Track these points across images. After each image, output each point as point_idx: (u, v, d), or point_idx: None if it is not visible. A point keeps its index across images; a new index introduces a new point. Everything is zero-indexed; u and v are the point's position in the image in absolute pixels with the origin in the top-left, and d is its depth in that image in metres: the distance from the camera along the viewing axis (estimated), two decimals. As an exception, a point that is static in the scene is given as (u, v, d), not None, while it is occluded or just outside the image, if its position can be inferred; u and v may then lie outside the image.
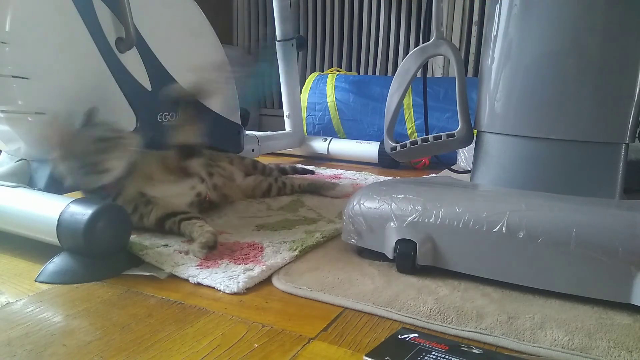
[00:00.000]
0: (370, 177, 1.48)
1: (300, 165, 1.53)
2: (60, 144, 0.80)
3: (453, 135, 0.88)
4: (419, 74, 0.96)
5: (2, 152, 0.97)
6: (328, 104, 1.98)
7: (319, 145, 1.87)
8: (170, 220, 0.85)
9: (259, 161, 1.30)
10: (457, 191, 0.77)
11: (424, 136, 0.91)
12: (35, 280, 0.70)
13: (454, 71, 0.90)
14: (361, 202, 0.79)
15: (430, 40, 0.93)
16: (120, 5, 0.96)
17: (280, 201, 1.14)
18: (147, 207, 0.86)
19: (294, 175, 1.41)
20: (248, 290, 0.68)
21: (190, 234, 0.82)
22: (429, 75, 2.20)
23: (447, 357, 0.50)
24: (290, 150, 1.91)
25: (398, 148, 0.94)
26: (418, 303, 0.64)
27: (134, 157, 0.85)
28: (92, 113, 0.86)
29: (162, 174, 0.91)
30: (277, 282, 0.70)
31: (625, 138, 0.75)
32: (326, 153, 1.85)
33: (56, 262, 0.72)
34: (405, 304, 0.63)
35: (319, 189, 1.22)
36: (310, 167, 1.58)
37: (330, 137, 1.88)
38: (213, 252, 0.77)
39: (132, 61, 1.00)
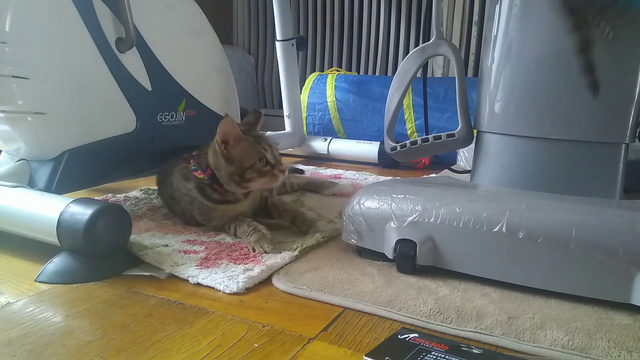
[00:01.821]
0: (370, 177, 1.48)
1: (290, 166, 1.52)
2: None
3: (453, 135, 0.88)
4: (419, 74, 0.96)
5: (2, 152, 0.97)
6: (328, 104, 1.98)
7: (319, 145, 1.87)
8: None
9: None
10: (457, 191, 0.77)
11: (424, 136, 0.91)
12: (35, 280, 0.70)
13: (454, 71, 0.90)
14: (361, 202, 0.79)
15: (430, 40, 0.93)
16: (120, 5, 0.96)
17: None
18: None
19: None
20: (248, 290, 0.68)
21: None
22: (429, 75, 2.20)
23: (447, 357, 0.50)
24: (290, 150, 1.91)
25: (398, 148, 0.94)
26: (418, 303, 0.64)
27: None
28: (258, 119, 0.92)
29: None
30: (277, 282, 0.70)
31: (625, 138, 0.75)
32: (326, 153, 1.85)
33: (56, 262, 0.72)
34: (405, 304, 0.63)
35: (317, 187, 1.22)
36: (301, 167, 1.58)
37: (330, 137, 1.88)
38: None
39: (132, 61, 1.00)
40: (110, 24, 0.96)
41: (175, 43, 1.12)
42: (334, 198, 1.19)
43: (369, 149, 1.77)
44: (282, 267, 0.75)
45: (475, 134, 0.88)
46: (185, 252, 0.78)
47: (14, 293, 0.66)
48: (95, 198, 0.82)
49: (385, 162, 1.72)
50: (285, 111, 1.90)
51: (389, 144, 0.96)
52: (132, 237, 0.80)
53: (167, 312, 0.62)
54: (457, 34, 2.19)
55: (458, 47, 2.17)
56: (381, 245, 0.76)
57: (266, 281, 0.71)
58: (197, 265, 0.73)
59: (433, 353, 0.50)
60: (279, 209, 0.95)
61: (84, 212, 0.70)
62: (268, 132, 1.79)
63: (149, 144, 1.03)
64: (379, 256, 0.77)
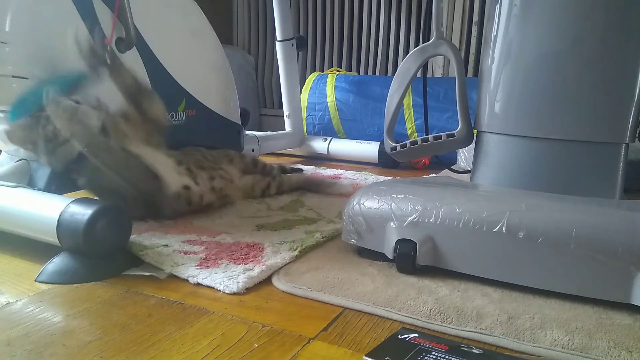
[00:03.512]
0: (370, 177, 1.48)
1: (289, 165, 1.52)
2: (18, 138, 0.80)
3: (453, 135, 0.88)
4: (419, 74, 0.96)
5: (2, 152, 0.97)
6: (328, 104, 1.98)
7: (319, 145, 1.87)
8: None
9: (260, 159, 1.29)
10: (457, 191, 0.77)
11: (424, 136, 0.91)
12: (35, 280, 0.70)
13: (454, 71, 0.90)
14: (361, 202, 0.79)
15: (430, 40, 0.93)
16: (120, 5, 0.96)
17: (280, 201, 1.14)
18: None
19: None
20: (248, 290, 0.68)
21: None
22: (429, 75, 2.20)
23: (447, 357, 0.50)
24: (290, 150, 1.91)
25: (398, 148, 0.94)
26: (418, 303, 0.64)
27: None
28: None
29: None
30: (277, 282, 0.70)
31: (625, 138, 0.75)
32: (326, 153, 1.85)
33: (56, 262, 0.72)
34: (405, 304, 0.63)
35: (316, 186, 1.22)
36: (300, 167, 1.58)
37: (330, 137, 1.88)
38: None
39: (132, 61, 1.00)
40: (111, 24, 0.96)
41: (175, 43, 1.13)
42: (334, 198, 1.19)
43: (369, 149, 1.77)
44: (282, 267, 0.75)
45: (475, 134, 0.88)
46: (185, 252, 0.78)
47: (14, 293, 0.66)
48: (95, 198, 0.82)
49: (385, 162, 1.72)
50: (285, 111, 1.90)
51: (389, 144, 0.96)
52: (133, 237, 0.80)
53: (167, 312, 0.62)
54: (457, 34, 2.19)
55: (458, 47, 2.17)
56: (381, 245, 0.76)
57: (266, 281, 0.71)
58: (197, 265, 0.73)
59: (433, 353, 0.50)
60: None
61: (84, 212, 0.70)
62: (268, 132, 1.81)
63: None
64: (379, 256, 0.77)
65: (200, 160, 1.06)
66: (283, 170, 1.46)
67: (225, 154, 1.17)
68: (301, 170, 1.51)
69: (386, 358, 0.50)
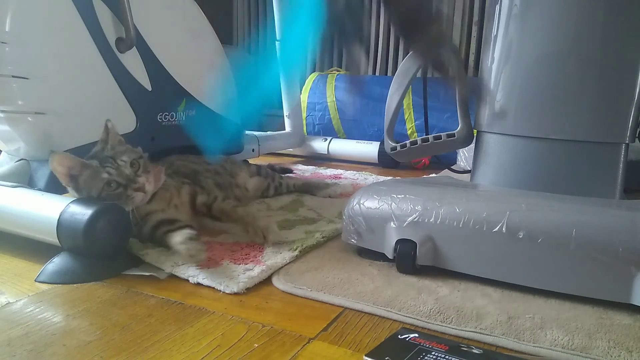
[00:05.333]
0: (370, 177, 1.48)
1: (278, 165, 1.52)
2: (72, 179, 0.77)
3: (453, 135, 0.88)
4: (419, 74, 0.96)
5: (2, 152, 0.97)
6: (328, 104, 1.98)
7: (319, 145, 1.87)
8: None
9: (261, 165, 1.30)
10: (457, 191, 0.77)
11: (424, 136, 0.91)
12: (35, 280, 0.70)
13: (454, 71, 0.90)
14: (361, 202, 0.79)
15: (430, 40, 0.93)
16: (120, 5, 0.96)
17: (280, 201, 1.14)
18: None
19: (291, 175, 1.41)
20: (248, 290, 0.68)
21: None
22: (429, 75, 2.20)
23: (447, 357, 0.50)
24: (290, 150, 1.91)
25: (398, 148, 0.94)
26: (418, 303, 0.64)
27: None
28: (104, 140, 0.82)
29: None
30: (277, 282, 0.70)
31: (625, 138, 0.75)
32: (326, 153, 1.85)
33: (56, 262, 0.72)
34: (405, 304, 0.63)
35: (312, 189, 1.23)
36: (289, 167, 1.57)
37: (330, 137, 1.88)
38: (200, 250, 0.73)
39: (132, 61, 1.00)
40: (110, 24, 0.96)
41: (175, 43, 1.12)
42: (334, 198, 1.19)
43: (369, 149, 1.77)
44: (282, 267, 0.75)
45: (475, 134, 0.88)
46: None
47: (14, 293, 0.66)
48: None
49: (385, 162, 1.72)
50: (285, 111, 1.90)
51: (389, 144, 0.96)
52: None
53: (167, 312, 0.62)
54: (457, 34, 2.19)
55: (458, 47, 2.17)
56: (381, 245, 0.76)
57: (266, 281, 0.71)
58: (197, 265, 0.73)
59: (433, 353, 0.50)
60: (229, 215, 0.87)
61: (84, 212, 0.70)
62: (268, 132, 1.81)
63: (149, 144, 1.03)
64: (379, 256, 0.77)
65: (217, 172, 1.06)
66: (272, 169, 1.46)
67: (232, 161, 1.18)
68: (291, 170, 1.51)
69: (386, 358, 0.50)
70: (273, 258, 0.76)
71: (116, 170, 0.77)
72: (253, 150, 1.62)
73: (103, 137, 0.82)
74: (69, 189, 0.79)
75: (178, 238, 0.73)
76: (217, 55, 1.26)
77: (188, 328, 0.58)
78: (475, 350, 0.52)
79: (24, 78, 0.84)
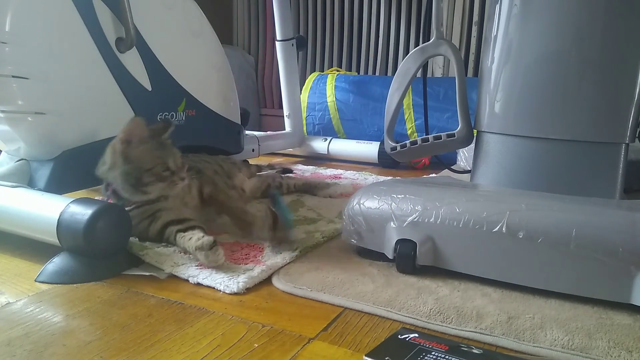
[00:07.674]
0: (370, 177, 1.48)
1: (278, 165, 1.52)
2: (134, 146, 0.80)
3: (453, 135, 0.88)
4: (419, 74, 0.96)
5: (2, 152, 0.97)
6: (328, 104, 1.98)
7: (319, 145, 1.87)
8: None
9: (261, 165, 1.30)
10: (457, 191, 0.77)
11: (424, 136, 0.91)
12: (35, 280, 0.70)
13: (454, 71, 0.90)
14: (361, 202, 0.79)
15: (430, 40, 0.93)
16: (120, 5, 0.96)
17: (280, 201, 1.14)
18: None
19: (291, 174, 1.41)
20: (248, 290, 0.68)
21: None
22: (429, 75, 2.20)
23: (447, 357, 0.50)
24: (290, 150, 1.91)
25: (398, 148, 0.94)
26: (418, 303, 0.64)
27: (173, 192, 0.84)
28: (167, 128, 0.86)
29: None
30: (277, 282, 0.70)
31: (625, 138, 0.75)
32: (326, 153, 1.85)
33: (56, 262, 0.72)
34: (405, 304, 0.63)
35: (312, 189, 1.23)
36: (301, 167, 1.57)
37: (330, 137, 1.88)
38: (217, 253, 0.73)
39: (132, 61, 1.00)
40: (110, 24, 0.96)
41: (175, 43, 1.12)
42: (334, 198, 1.19)
43: (369, 149, 1.77)
44: (282, 267, 0.75)
45: (475, 134, 0.88)
46: (185, 252, 0.78)
47: (14, 293, 0.66)
48: (95, 198, 0.82)
49: (385, 162, 1.72)
50: (285, 111, 1.90)
51: (389, 144, 0.96)
52: (132, 237, 0.80)
53: (167, 312, 0.62)
54: (457, 34, 2.19)
55: (458, 47, 2.17)
56: (381, 245, 0.76)
57: (266, 281, 0.71)
58: (197, 265, 0.73)
59: (433, 353, 0.50)
60: (222, 205, 0.90)
61: (84, 212, 0.70)
62: (268, 132, 1.81)
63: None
64: (379, 256, 0.77)
65: (216, 172, 1.06)
66: (272, 169, 1.46)
67: (232, 162, 1.18)
68: (291, 170, 1.51)
69: (386, 358, 0.50)
70: (273, 258, 0.76)
71: (171, 157, 0.82)
72: (253, 150, 1.62)
73: (159, 127, 0.86)
74: (106, 154, 0.81)
75: (194, 242, 0.74)
76: (217, 55, 1.26)
77: (188, 328, 0.58)
78: (475, 350, 0.52)
79: (24, 78, 0.84)
